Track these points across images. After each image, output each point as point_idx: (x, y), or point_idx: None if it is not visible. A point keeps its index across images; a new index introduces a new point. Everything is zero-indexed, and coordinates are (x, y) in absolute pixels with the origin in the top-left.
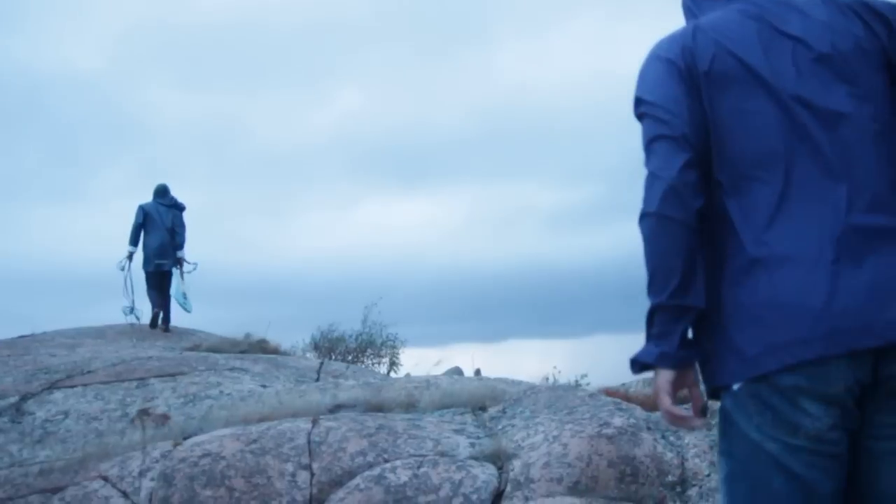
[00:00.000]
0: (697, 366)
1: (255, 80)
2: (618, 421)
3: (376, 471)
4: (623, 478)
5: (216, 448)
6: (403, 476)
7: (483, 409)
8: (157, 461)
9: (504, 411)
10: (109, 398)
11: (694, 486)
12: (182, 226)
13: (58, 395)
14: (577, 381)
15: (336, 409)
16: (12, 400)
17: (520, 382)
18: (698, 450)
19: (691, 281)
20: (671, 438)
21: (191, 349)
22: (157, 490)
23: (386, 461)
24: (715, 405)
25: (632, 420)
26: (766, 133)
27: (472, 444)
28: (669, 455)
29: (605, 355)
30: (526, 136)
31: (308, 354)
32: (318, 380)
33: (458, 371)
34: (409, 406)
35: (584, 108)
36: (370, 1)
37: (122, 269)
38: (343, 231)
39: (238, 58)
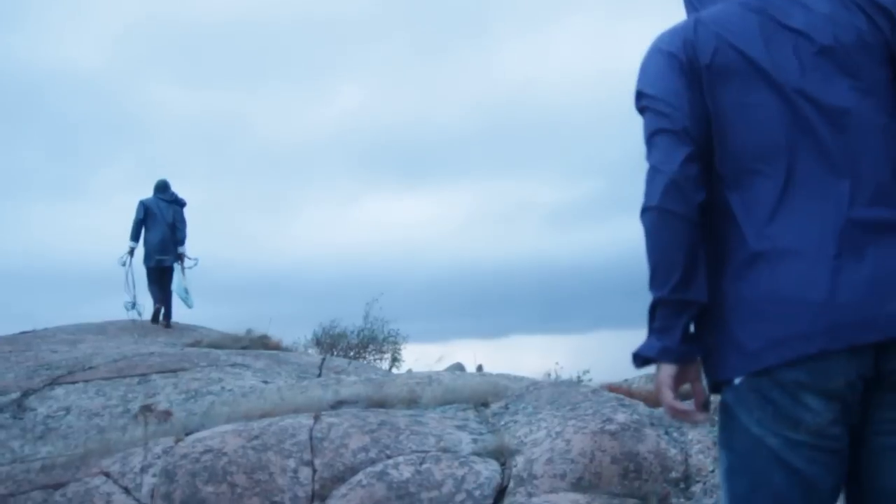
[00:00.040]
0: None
1: (256, 76)
2: (621, 417)
3: (379, 467)
4: (626, 474)
5: (218, 444)
6: (406, 472)
7: (485, 405)
8: (158, 457)
9: (506, 407)
10: (111, 394)
11: (698, 482)
12: (183, 221)
13: (59, 391)
14: (579, 377)
15: (338, 405)
16: (14, 396)
17: (522, 378)
18: (702, 445)
19: (693, 275)
20: (675, 434)
21: (192, 345)
22: (158, 486)
23: (388, 457)
24: (716, 399)
25: (635, 416)
26: (768, 126)
27: (475, 441)
28: (673, 451)
29: (607, 351)
30: (527, 133)
31: (310, 350)
32: (319, 376)
33: (459, 367)
34: (411, 402)
35: (585, 104)
36: None
37: (124, 264)
38: (344, 227)
39: (239, 54)
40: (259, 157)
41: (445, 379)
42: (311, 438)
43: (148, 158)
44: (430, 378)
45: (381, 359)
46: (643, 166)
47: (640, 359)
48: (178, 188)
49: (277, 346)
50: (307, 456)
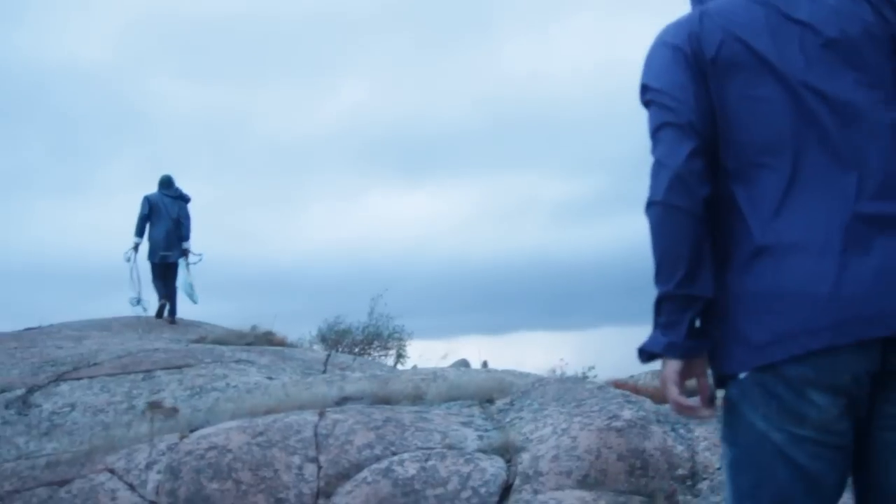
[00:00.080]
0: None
1: (259, 71)
2: (627, 413)
3: (384, 464)
4: (633, 471)
5: (223, 441)
6: (411, 469)
7: (491, 401)
8: (163, 454)
9: (512, 404)
10: (115, 390)
11: (705, 479)
12: (187, 217)
13: (64, 387)
14: (584, 374)
15: (343, 401)
16: (19, 392)
17: (527, 375)
18: (709, 442)
19: (698, 270)
20: (681, 431)
21: (197, 341)
22: (163, 483)
23: (393, 454)
24: (721, 394)
25: (641, 413)
26: (774, 120)
27: (480, 437)
28: (680, 448)
29: (612, 347)
30: (531, 128)
31: (315, 346)
32: (324, 372)
33: (464, 363)
34: (417, 398)
35: (589, 98)
36: None
37: (128, 260)
38: (349, 223)
39: (242, 49)
40: (263, 153)
41: (451, 375)
42: (315, 435)
43: (152, 154)
44: (435, 374)
45: (385, 355)
46: (648, 161)
47: (645, 354)
48: (182, 184)
49: (282, 343)
50: (312, 452)
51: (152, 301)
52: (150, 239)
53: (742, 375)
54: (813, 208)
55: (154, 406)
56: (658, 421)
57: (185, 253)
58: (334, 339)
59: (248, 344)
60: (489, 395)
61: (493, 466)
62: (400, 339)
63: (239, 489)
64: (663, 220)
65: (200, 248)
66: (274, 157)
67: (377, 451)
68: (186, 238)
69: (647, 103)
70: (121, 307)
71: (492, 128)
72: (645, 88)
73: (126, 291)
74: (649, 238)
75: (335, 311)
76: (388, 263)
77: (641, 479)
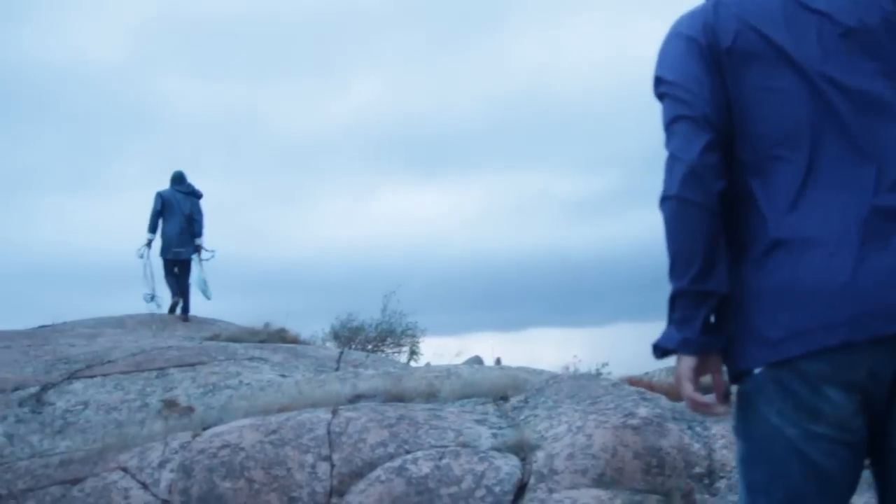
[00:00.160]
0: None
1: (270, 69)
2: (643, 411)
3: (397, 462)
4: (649, 469)
5: (235, 439)
6: (425, 468)
7: (505, 398)
8: (176, 452)
9: (526, 401)
10: (129, 388)
11: (722, 477)
12: (200, 213)
13: (78, 385)
14: (598, 370)
15: (356, 399)
16: (33, 390)
17: (541, 372)
18: (726, 440)
19: (713, 265)
20: (698, 429)
21: (210, 339)
22: (176, 482)
23: (407, 452)
24: (735, 389)
25: (657, 410)
26: (791, 111)
27: (495, 435)
28: (696, 446)
29: (625, 343)
30: (542, 124)
31: (328, 344)
32: (337, 369)
33: (478, 360)
34: (430, 396)
35: (601, 94)
36: None
37: (141, 256)
38: (361, 220)
39: (253, 48)
40: (275, 151)
41: (464, 372)
42: (329, 433)
43: (164, 152)
44: (448, 371)
45: (399, 352)
46: (661, 156)
47: (659, 350)
48: (194, 181)
49: (295, 340)
50: (325, 451)
51: (166, 297)
52: (163, 235)
53: (757, 371)
54: (830, 201)
55: (170, 405)
56: (674, 418)
57: (198, 249)
58: (347, 336)
59: (262, 341)
60: (503, 392)
61: (508, 465)
62: (413, 336)
63: (252, 488)
64: (678, 214)
65: (213, 245)
66: (285, 155)
67: (391, 449)
68: (199, 234)
69: (660, 96)
70: (134, 304)
71: (503, 124)
72: (659, 81)
73: (140, 288)
74: (663, 233)
75: (348, 308)
76: (401, 260)
77: (658, 477)
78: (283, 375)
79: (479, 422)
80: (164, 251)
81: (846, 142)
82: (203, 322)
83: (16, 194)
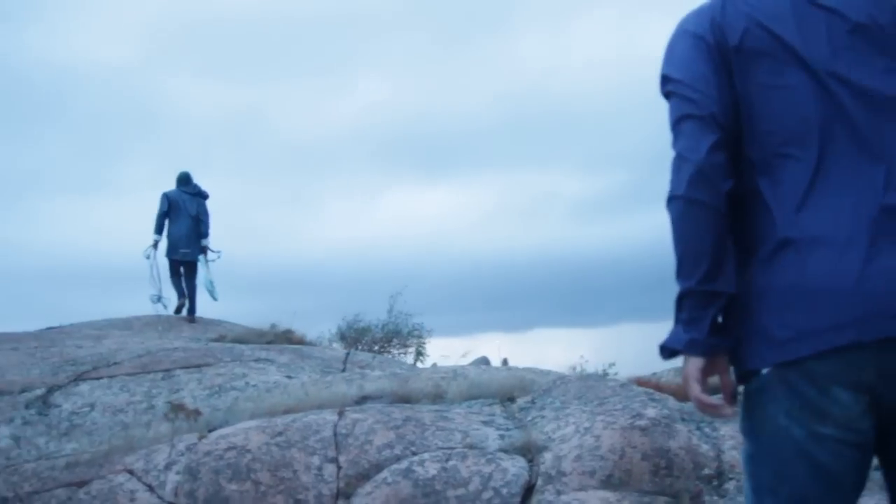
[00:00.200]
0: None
1: (278, 70)
2: (651, 412)
3: (404, 464)
4: (657, 471)
5: (241, 441)
6: (432, 469)
7: (512, 399)
8: (182, 454)
9: (533, 402)
10: (135, 390)
11: (731, 479)
12: (206, 214)
13: (84, 387)
14: (604, 371)
15: (362, 400)
16: (39, 392)
17: (548, 372)
18: (735, 441)
19: (721, 266)
20: (706, 430)
21: (216, 340)
22: (182, 484)
23: (414, 454)
24: (742, 388)
25: (665, 411)
26: (799, 109)
27: (502, 437)
28: (705, 447)
29: (632, 344)
30: (549, 124)
31: (334, 345)
32: (344, 370)
33: (484, 361)
34: (437, 397)
35: (608, 93)
36: None
37: (148, 257)
38: (367, 221)
39: (261, 49)
40: (281, 152)
41: (471, 373)
42: (335, 435)
43: (172, 153)
44: (455, 372)
45: (405, 353)
46: (668, 156)
47: (667, 351)
48: (201, 182)
49: (301, 341)
50: (332, 453)
51: (172, 299)
52: (170, 236)
53: (765, 371)
54: (839, 201)
55: (177, 408)
56: (682, 419)
57: (204, 250)
58: (353, 337)
59: (268, 342)
60: (510, 393)
61: (515, 466)
62: (419, 337)
63: (258, 490)
64: (685, 215)
65: (219, 246)
66: (292, 156)
67: (397, 451)
68: (206, 235)
69: (667, 94)
70: (141, 305)
71: (510, 124)
72: (666, 79)
73: (146, 289)
74: (670, 233)
75: (354, 308)
76: (407, 261)
77: (666, 479)
78: (290, 377)
79: (486, 423)
80: (171, 252)
81: (855, 140)
82: (209, 323)
83: (23, 196)
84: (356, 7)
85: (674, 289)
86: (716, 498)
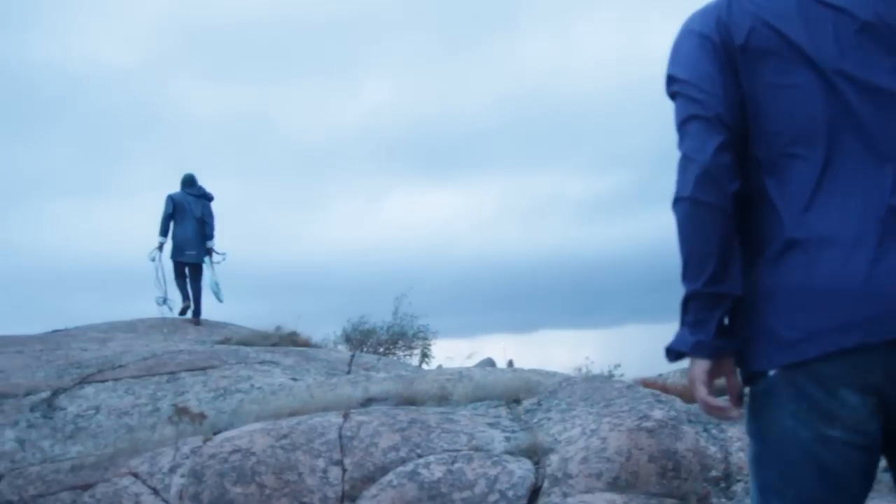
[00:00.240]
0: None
1: (282, 72)
2: (658, 413)
3: (409, 466)
4: (665, 473)
5: (246, 444)
6: (437, 472)
7: (517, 401)
8: (186, 457)
9: (539, 404)
10: (140, 393)
11: (739, 481)
12: (211, 216)
13: (89, 389)
14: (610, 372)
15: (367, 402)
16: (44, 395)
17: (554, 374)
18: (742, 443)
19: (727, 268)
20: (714, 431)
21: (221, 342)
22: (187, 487)
23: (419, 456)
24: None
25: (672, 412)
26: (806, 108)
27: (508, 439)
28: (713, 449)
29: (637, 345)
30: (554, 125)
31: (339, 347)
32: (349, 373)
33: (490, 362)
34: (442, 399)
35: (612, 95)
36: None
37: (153, 259)
38: (372, 222)
39: (266, 51)
40: (286, 153)
41: (476, 375)
42: (340, 437)
43: (177, 156)
44: (460, 374)
45: (410, 355)
46: (673, 156)
47: (673, 353)
48: (206, 184)
49: (307, 343)
50: (337, 455)
51: (178, 300)
52: (175, 238)
53: (771, 373)
54: (846, 201)
55: (181, 411)
56: (689, 421)
57: (209, 252)
58: (359, 339)
59: (273, 345)
60: (516, 395)
61: (521, 468)
62: (424, 339)
63: (263, 493)
64: (691, 216)
65: (224, 248)
66: (297, 158)
67: (402, 453)
68: (211, 237)
69: (673, 95)
70: (146, 308)
71: (514, 125)
72: (671, 79)
73: (152, 291)
74: (676, 235)
75: (359, 310)
76: (412, 262)
77: (673, 481)
78: (295, 379)
79: (491, 425)
80: (176, 254)
81: (863, 139)
82: (214, 325)
83: (27, 199)
84: (360, 9)
85: (679, 290)
86: (723, 500)
